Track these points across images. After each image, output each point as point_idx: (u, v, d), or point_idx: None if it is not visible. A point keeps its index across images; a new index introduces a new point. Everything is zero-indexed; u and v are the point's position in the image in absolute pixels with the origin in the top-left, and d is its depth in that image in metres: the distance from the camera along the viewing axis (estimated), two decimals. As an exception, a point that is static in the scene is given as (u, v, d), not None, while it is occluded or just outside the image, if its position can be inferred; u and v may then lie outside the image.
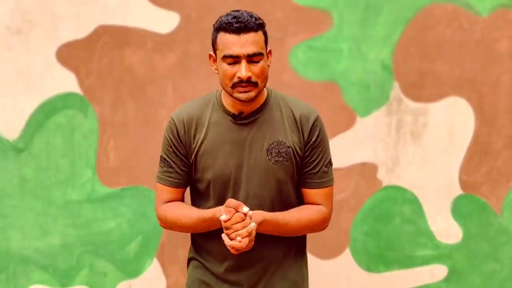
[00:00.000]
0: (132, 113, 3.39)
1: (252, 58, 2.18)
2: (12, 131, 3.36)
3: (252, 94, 2.21)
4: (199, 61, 3.36)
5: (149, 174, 3.37)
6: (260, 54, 2.19)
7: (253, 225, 2.16)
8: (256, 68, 2.19)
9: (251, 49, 2.17)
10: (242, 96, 2.20)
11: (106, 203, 3.41)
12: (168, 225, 2.38)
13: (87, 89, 3.37)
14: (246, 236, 2.14)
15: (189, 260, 2.48)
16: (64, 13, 3.34)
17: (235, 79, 2.19)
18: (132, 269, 3.43)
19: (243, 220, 2.15)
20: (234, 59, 2.17)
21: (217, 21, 2.25)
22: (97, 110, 3.38)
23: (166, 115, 3.37)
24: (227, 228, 2.15)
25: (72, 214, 3.39)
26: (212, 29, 2.27)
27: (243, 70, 2.17)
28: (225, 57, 2.19)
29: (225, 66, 2.20)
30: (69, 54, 3.35)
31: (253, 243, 2.18)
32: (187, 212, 2.33)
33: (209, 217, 2.26)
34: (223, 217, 2.14)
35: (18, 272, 3.39)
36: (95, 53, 3.36)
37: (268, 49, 2.28)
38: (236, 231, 2.15)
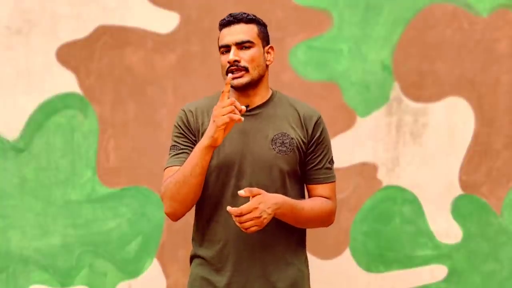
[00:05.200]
0: (132, 113, 3.39)
1: (241, 45, 2.34)
2: (12, 131, 3.36)
3: (243, 80, 2.33)
4: (199, 61, 3.37)
5: (149, 174, 3.38)
6: (249, 42, 2.35)
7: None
8: (246, 54, 2.34)
9: (239, 37, 2.34)
10: (234, 82, 2.32)
11: (106, 203, 3.41)
12: (168, 192, 2.30)
13: (87, 89, 3.37)
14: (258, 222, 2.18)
15: (192, 257, 2.51)
16: (64, 13, 3.34)
17: (227, 65, 2.34)
18: (132, 269, 3.43)
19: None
20: (226, 48, 2.35)
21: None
22: (97, 110, 3.38)
23: (166, 115, 3.37)
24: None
25: (72, 214, 3.39)
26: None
27: (231, 54, 2.32)
28: (219, 48, 2.38)
29: (221, 57, 2.38)
30: (69, 54, 3.36)
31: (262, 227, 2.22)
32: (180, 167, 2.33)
33: (202, 146, 2.25)
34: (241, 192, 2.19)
35: (18, 272, 3.40)
36: (95, 53, 3.37)
37: (269, 45, 2.43)
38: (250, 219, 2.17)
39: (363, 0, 3.36)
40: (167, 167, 2.39)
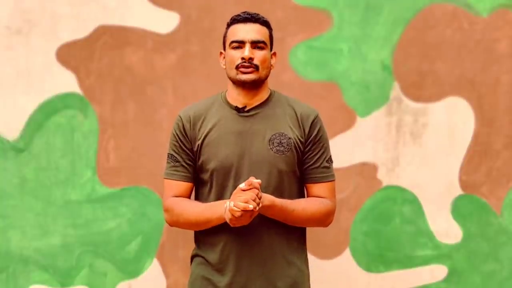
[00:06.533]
0: (132, 113, 3.39)
1: (256, 44, 2.37)
2: (12, 131, 3.36)
3: (253, 76, 2.36)
4: (199, 61, 3.37)
5: (149, 174, 3.38)
6: (264, 43, 2.38)
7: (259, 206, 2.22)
8: (259, 54, 2.37)
9: (255, 36, 2.37)
10: (243, 76, 2.35)
11: (106, 203, 3.41)
12: (175, 217, 2.42)
13: (87, 89, 3.37)
14: (253, 209, 2.18)
15: (192, 257, 2.53)
16: (64, 13, 3.34)
17: (239, 61, 2.35)
18: (132, 269, 3.43)
19: (257, 194, 2.21)
20: (239, 44, 2.37)
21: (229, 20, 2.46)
22: (97, 110, 3.38)
23: (166, 115, 3.37)
24: (239, 195, 2.20)
25: (72, 214, 3.39)
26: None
27: (246, 51, 2.35)
28: (231, 43, 2.38)
29: (231, 51, 2.38)
30: (69, 54, 3.36)
31: (250, 219, 2.23)
32: (194, 204, 2.41)
33: (217, 203, 2.33)
34: (242, 185, 2.21)
35: (18, 272, 3.39)
36: (95, 53, 3.37)
37: (273, 51, 2.47)
38: (248, 198, 2.18)
39: (363, 0, 3.36)
40: (167, 179, 2.48)
